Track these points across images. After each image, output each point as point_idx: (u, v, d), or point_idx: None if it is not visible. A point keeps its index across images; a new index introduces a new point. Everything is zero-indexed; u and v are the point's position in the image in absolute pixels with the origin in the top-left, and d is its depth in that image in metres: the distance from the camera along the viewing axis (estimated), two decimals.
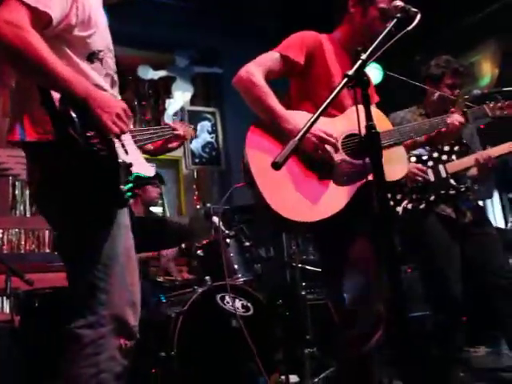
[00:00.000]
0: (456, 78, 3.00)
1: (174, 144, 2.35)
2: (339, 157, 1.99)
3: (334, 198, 1.95)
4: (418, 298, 3.45)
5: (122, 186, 1.58)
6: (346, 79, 1.50)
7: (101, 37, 1.74)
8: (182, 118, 5.64)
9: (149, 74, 5.50)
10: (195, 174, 5.79)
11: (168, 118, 5.61)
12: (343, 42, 2.25)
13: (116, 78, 1.83)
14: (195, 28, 5.37)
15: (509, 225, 5.61)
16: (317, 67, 2.15)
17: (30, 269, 3.80)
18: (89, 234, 1.67)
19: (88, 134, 1.54)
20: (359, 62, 1.52)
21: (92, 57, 1.70)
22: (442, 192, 2.95)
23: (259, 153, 2.00)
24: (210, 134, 5.82)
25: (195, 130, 2.65)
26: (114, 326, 1.65)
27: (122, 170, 1.59)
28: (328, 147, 1.95)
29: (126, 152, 1.70)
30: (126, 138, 1.75)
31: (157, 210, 5.20)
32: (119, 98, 1.82)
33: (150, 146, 2.23)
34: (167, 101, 5.68)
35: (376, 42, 1.63)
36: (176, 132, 2.32)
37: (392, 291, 1.41)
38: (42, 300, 3.12)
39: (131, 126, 1.84)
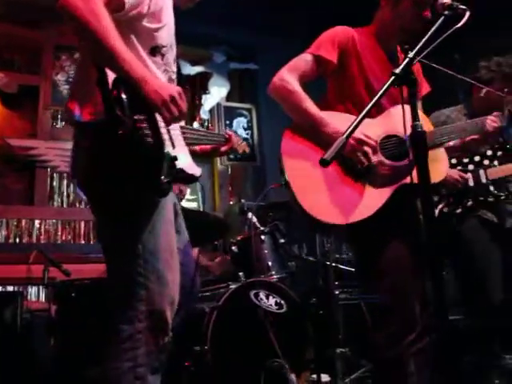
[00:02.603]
0: (505, 84, 2.85)
1: (221, 150, 2.31)
2: (376, 159, 1.96)
3: (368, 201, 1.94)
4: (452, 301, 3.39)
5: (162, 177, 1.53)
6: (392, 77, 1.47)
7: (167, 33, 1.78)
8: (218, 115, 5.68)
9: (186, 69, 5.53)
10: (229, 169, 5.80)
11: (204, 113, 5.64)
12: (377, 36, 2.20)
13: (174, 77, 1.86)
14: (232, 24, 5.37)
15: None
16: (351, 64, 2.12)
17: (66, 259, 3.87)
18: (129, 223, 1.66)
19: (136, 118, 1.53)
20: (406, 59, 1.49)
21: (154, 50, 1.74)
22: (481, 198, 2.87)
23: (294, 156, 2.01)
24: (245, 130, 5.81)
25: (248, 145, 2.67)
26: (152, 322, 1.65)
27: (166, 161, 1.56)
28: (367, 149, 1.93)
29: (173, 145, 1.68)
30: (176, 133, 1.75)
31: (192, 205, 5.23)
32: None
33: (196, 148, 2.20)
34: (203, 96, 5.70)
35: (423, 40, 1.59)
36: (227, 141, 2.30)
37: (435, 295, 1.39)
38: (78, 290, 3.16)
39: (183, 123, 1.84)
